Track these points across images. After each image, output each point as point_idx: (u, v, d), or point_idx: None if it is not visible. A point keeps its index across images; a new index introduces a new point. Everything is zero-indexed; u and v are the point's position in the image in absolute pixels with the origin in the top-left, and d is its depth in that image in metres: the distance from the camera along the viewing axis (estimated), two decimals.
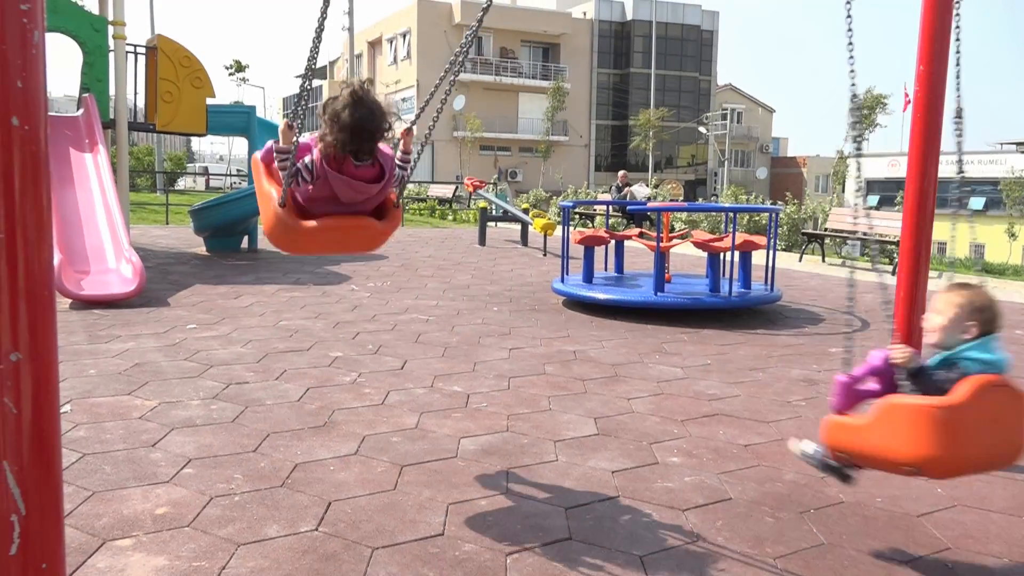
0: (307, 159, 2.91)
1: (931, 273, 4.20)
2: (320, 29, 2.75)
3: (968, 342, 2.51)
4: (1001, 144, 44.51)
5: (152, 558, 2.60)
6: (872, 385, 2.70)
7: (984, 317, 2.53)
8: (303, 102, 2.88)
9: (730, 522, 3.04)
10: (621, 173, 18.78)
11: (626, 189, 17.83)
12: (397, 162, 3.05)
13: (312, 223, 2.98)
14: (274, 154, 3.01)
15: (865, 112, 34.66)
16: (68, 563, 2.42)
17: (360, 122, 2.80)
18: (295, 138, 2.89)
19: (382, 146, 3.00)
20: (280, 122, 3.12)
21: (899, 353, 2.59)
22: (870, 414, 2.58)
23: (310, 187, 2.93)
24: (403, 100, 50.86)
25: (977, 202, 39.16)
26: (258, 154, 3.28)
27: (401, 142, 3.07)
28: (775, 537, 2.92)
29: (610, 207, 13.65)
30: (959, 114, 3.12)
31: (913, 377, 2.56)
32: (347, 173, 2.90)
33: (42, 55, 1.19)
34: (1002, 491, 3.44)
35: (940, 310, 2.58)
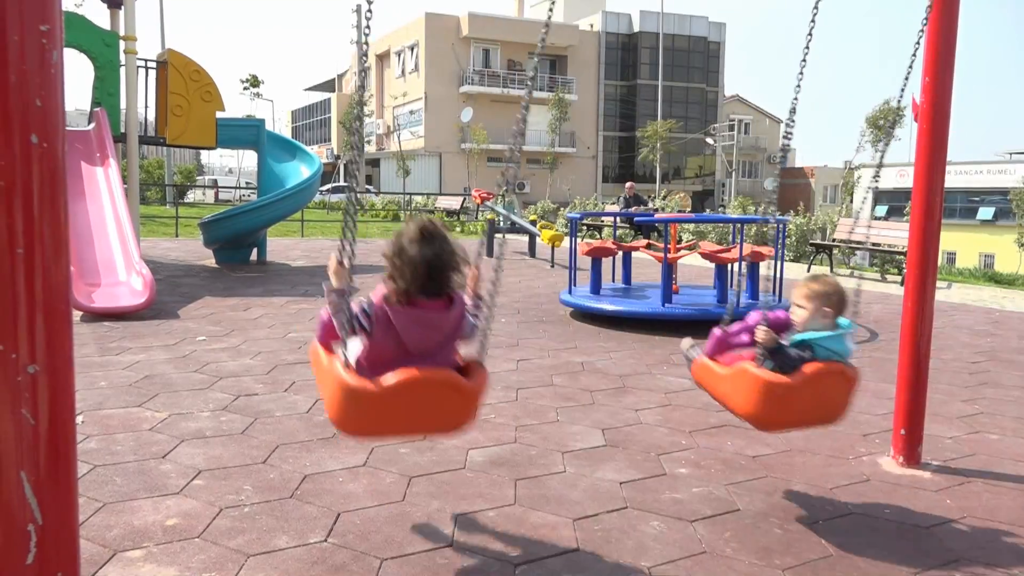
0: (364, 302, 2.51)
1: (939, 283, 4.20)
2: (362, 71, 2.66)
3: (827, 327, 3.05)
4: (1011, 154, 44.36)
5: (163, 569, 2.62)
6: (744, 337, 3.19)
7: (836, 301, 3.06)
8: (352, 220, 2.51)
9: (738, 533, 3.04)
10: (628, 185, 18.81)
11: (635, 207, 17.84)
12: (469, 312, 2.64)
13: (388, 378, 2.45)
14: (326, 296, 2.55)
15: (881, 124, 34.55)
16: (81, 574, 2.44)
17: (433, 262, 2.48)
18: (349, 278, 2.51)
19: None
20: (331, 262, 2.60)
21: (762, 335, 3.00)
22: (730, 369, 3.14)
23: (368, 339, 2.51)
24: (411, 113, 51.08)
25: (986, 212, 39.02)
26: (315, 339, 2.82)
27: (469, 284, 2.67)
28: (783, 548, 2.92)
29: (617, 218, 13.67)
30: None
31: (771, 353, 3.01)
32: (414, 306, 2.50)
33: (60, 74, 1.23)
34: (1011, 502, 3.43)
35: (800, 303, 3.08)
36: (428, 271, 2.48)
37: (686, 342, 3.60)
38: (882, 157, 3.74)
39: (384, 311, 2.48)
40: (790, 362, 2.99)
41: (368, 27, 2.56)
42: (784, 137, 3.40)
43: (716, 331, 3.30)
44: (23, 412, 1.17)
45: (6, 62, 1.16)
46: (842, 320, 3.12)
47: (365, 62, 2.66)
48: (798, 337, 3.06)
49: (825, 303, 3.04)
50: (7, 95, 1.15)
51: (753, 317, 3.16)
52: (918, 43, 3.56)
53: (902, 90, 3.50)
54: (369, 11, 2.58)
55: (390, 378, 2.43)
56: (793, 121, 3.30)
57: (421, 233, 2.50)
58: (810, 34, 3.32)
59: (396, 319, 2.47)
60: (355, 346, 2.55)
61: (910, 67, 3.51)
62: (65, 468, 1.24)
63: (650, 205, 19.27)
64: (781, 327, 3.14)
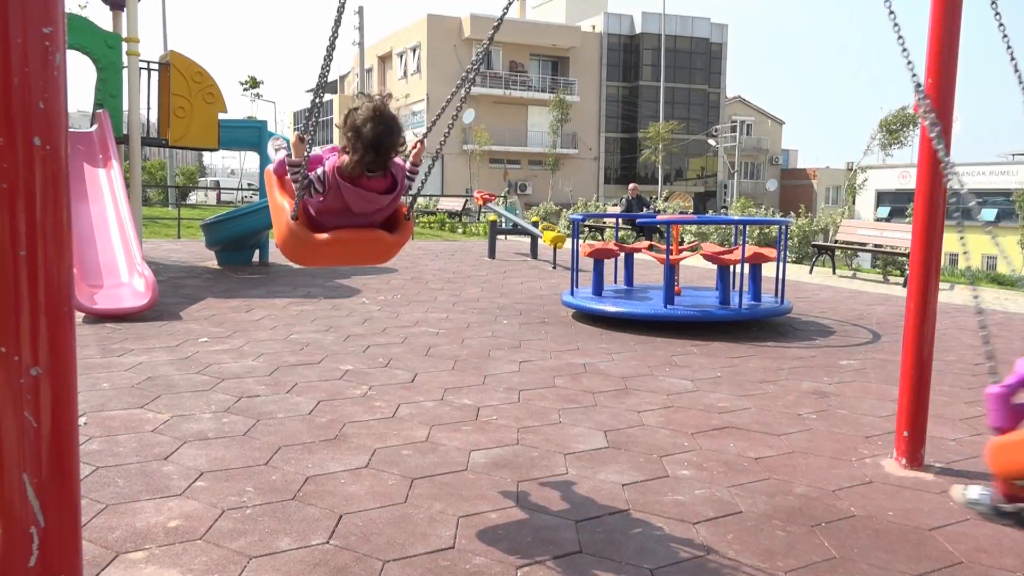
0: (319, 171, 2.94)
1: (942, 285, 4.19)
2: (331, 47, 2.82)
3: None
4: (1013, 155, 44.32)
5: (165, 571, 2.62)
6: None
7: None
8: (315, 116, 2.95)
9: (741, 535, 3.03)
10: (632, 187, 18.75)
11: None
12: (407, 173, 3.08)
13: (324, 236, 3.00)
14: (287, 167, 3.05)
15: (895, 128, 34.43)
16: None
17: (380, 137, 2.83)
18: (307, 151, 2.93)
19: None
20: (292, 136, 3.12)
21: None
22: None
23: (322, 199, 2.96)
24: (413, 114, 51.10)
25: (989, 213, 38.97)
26: (271, 167, 3.33)
27: (412, 153, 3.12)
28: (786, 551, 2.92)
29: (619, 220, 13.67)
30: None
31: None
32: (360, 185, 2.92)
33: (63, 77, 1.23)
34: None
35: None
36: (376, 148, 2.83)
37: (956, 491, 2.72)
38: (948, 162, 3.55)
39: (335, 179, 2.89)
40: None
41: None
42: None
43: (994, 390, 2.38)
44: (25, 414, 1.17)
45: (9, 64, 1.16)
46: None
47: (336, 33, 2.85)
48: None
49: None
50: (10, 97, 1.15)
51: (1022, 364, 2.37)
52: (900, 37, 3.27)
53: (916, 86, 3.29)
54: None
55: (326, 236, 3.00)
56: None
57: (374, 113, 2.82)
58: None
59: (345, 192, 2.90)
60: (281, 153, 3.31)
61: (912, 71, 3.41)
62: (67, 470, 1.24)
63: (653, 207, 19.25)
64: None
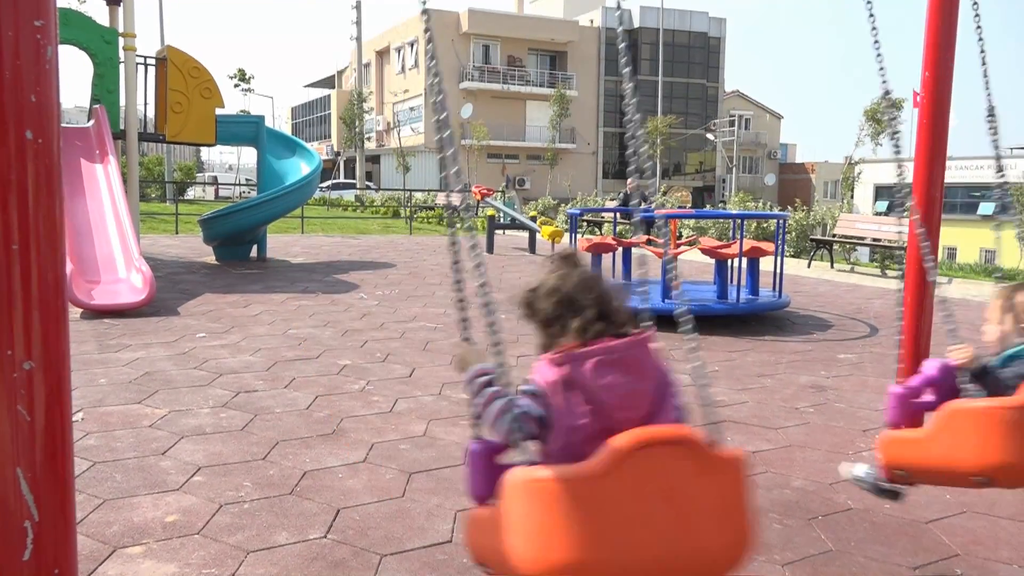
0: (527, 387, 1.75)
1: (940, 278, 4.20)
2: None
3: None
4: (1011, 149, 44.32)
5: (162, 565, 2.63)
6: (928, 397, 2.54)
7: None
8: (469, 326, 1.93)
9: None
10: (630, 180, 18.68)
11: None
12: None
13: (598, 463, 1.54)
14: (472, 395, 1.80)
15: (879, 117, 34.39)
16: (80, 570, 2.44)
17: (594, 286, 1.85)
18: (482, 353, 1.87)
19: None
20: (461, 359, 1.91)
21: (960, 353, 2.49)
22: (931, 424, 2.41)
23: (549, 438, 1.70)
24: (411, 109, 51.04)
25: (987, 207, 38.99)
26: (474, 504, 1.84)
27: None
28: (783, 543, 2.92)
29: (617, 214, 13.66)
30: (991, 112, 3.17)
31: (977, 378, 2.44)
32: (600, 350, 1.72)
33: (55, 70, 1.22)
34: (1011, 496, 3.43)
35: (993, 317, 2.55)
36: (600, 304, 1.80)
37: (844, 468, 2.97)
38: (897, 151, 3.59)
39: (560, 374, 1.69)
40: (1004, 384, 2.38)
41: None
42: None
43: (895, 390, 2.61)
44: (19, 409, 1.17)
45: (0, 58, 1.15)
46: None
47: None
48: (1007, 352, 2.47)
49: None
50: (2, 91, 1.15)
51: (930, 366, 2.59)
52: (874, 29, 3.23)
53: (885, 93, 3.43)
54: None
55: (604, 459, 1.54)
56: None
57: (568, 263, 1.89)
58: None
59: (580, 370, 1.68)
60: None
61: (879, 60, 3.23)
62: (62, 464, 1.24)
63: (652, 201, 19.17)
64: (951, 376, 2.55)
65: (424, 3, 1.99)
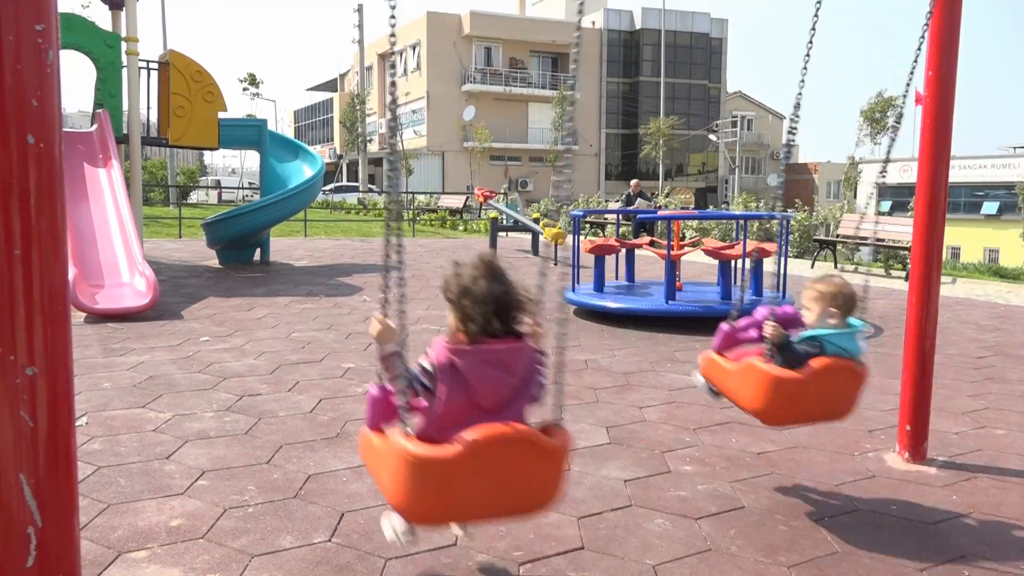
0: (423, 361, 2.24)
1: (944, 278, 4.19)
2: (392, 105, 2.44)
3: (834, 327, 3.06)
4: (1015, 148, 44.25)
5: (167, 570, 2.62)
6: (752, 333, 3.24)
7: (842, 302, 3.06)
8: (389, 289, 2.31)
9: (743, 531, 3.02)
10: (634, 182, 18.56)
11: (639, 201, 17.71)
12: (536, 361, 2.32)
13: (463, 437, 2.09)
14: (380, 362, 2.29)
15: (877, 116, 34.36)
16: (84, 575, 2.44)
17: (498, 294, 2.22)
18: (396, 331, 2.27)
19: None
20: (372, 323, 2.32)
21: (770, 330, 3.05)
22: (737, 364, 3.18)
23: (434, 401, 2.19)
24: (413, 112, 51.08)
25: (991, 207, 38.92)
26: (364, 427, 2.47)
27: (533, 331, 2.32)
28: (788, 545, 2.91)
29: (620, 216, 13.65)
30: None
31: (778, 348, 3.04)
32: (482, 349, 2.19)
33: (57, 74, 1.22)
34: (1018, 498, 3.41)
35: (808, 304, 3.11)
36: (497, 309, 2.20)
37: (693, 376, 3.60)
38: (888, 151, 3.71)
39: (449, 360, 2.16)
40: (798, 358, 3.02)
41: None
42: (788, 132, 3.38)
43: (724, 326, 3.33)
44: (22, 414, 1.17)
45: (2, 62, 1.15)
46: (853, 320, 3.12)
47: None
48: (807, 333, 3.08)
49: (831, 304, 3.06)
50: (2, 95, 1.15)
51: (760, 312, 3.19)
52: (922, 37, 3.55)
53: (907, 85, 3.49)
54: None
55: (466, 436, 2.08)
56: (797, 117, 3.29)
57: (487, 269, 2.26)
58: (813, 29, 3.30)
59: (464, 363, 2.15)
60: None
61: (915, 61, 3.50)
62: (65, 470, 1.23)
63: (654, 203, 19.17)
64: (789, 322, 3.17)
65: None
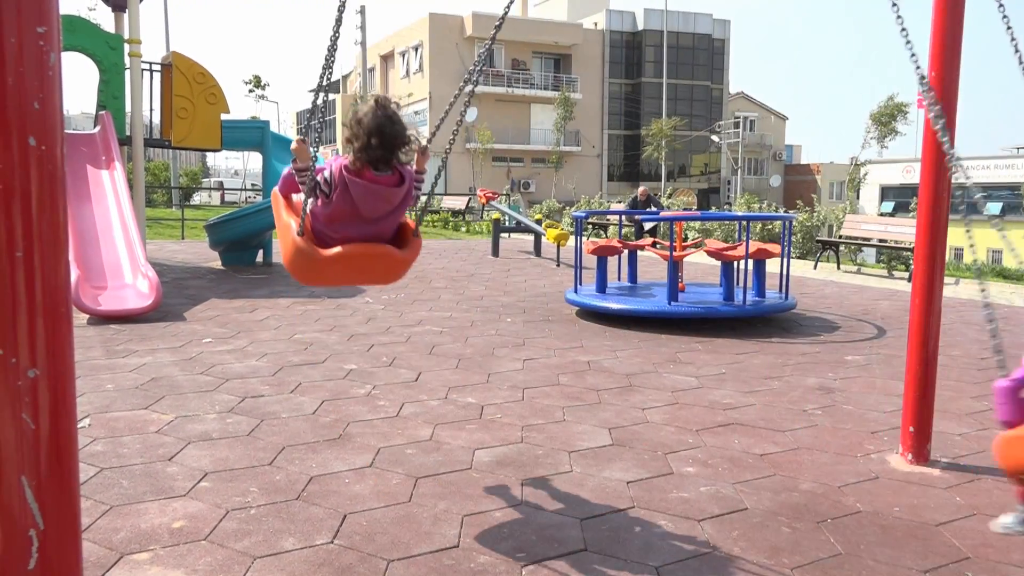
0: (325, 172, 2.85)
1: (947, 279, 4.18)
2: (333, 46, 2.79)
3: None
4: (1018, 149, 44.17)
5: (169, 571, 2.62)
6: None
7: None
8: (316, 117, 2.93)
9: (746, 532, 3.02)
10: (641, 189, 18.12)
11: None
12: (414, 179, 2.98)
13: (332, 251, 2.89)
14: (294, 175, 2.94)
15: (884, 120, 34.31)
16: None
17: (383, 125, 2.77)
18: (312, 155, 2.89)
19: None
20: (293, 139, 3.01)
21: None
22: None
23: (329, 204, 2.84)
24: (416, 113, 51.09)
25: (994, 207, 38.84)
26: (277, 187, 3.25)
27: (415, 160, 3.01)
28: (792, 547, 2.90)
29: (623, 217, 13.65)
30: None
31: None
32: (367, 179, 2.82)
33: (58, 77, 1.22)
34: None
35: None
36: (381, 140, 2.76)
37: (993, 523, 2.62)
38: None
39: (343, 178, 2.78)
40: None
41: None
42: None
43: (1002, 384, 2.30)
44: (23, 416, 1.17)
45: (4, 64, 1.15)
46: None
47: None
48: None
49: None
50: (5, 97, 1.15)
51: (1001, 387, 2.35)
52: (903, 30, 3.35)
53: (920, 78, 3.45)
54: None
55: (334, 252, 2.87)
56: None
57: (377, 105, 2.79)
58: None
59: (353, 188, 2.78)
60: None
61: (914, 56, 3.45)
62: (66, 472, 1.23)
63: (664, 211, 18.99)
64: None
65: None
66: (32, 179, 1.18)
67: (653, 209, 16.72)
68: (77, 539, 1.27)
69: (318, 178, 2.83)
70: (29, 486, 1.18)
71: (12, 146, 1.16)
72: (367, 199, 2.83)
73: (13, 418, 1.16)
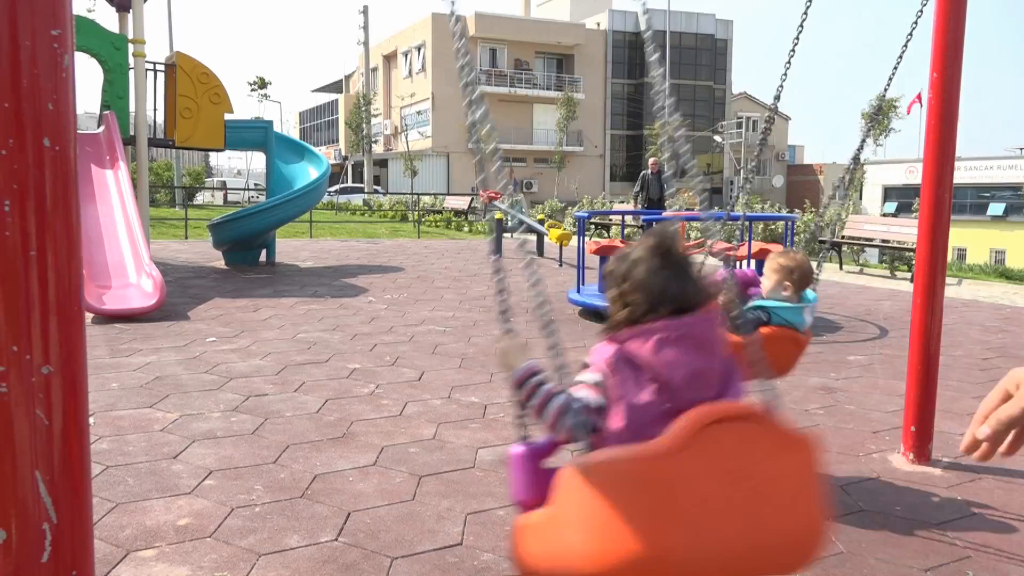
0: (585, 379, 1.68)
1: (949, 279, 4.20)
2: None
3: (786, 299, 3.22)
4: (1021, 149, 44.10)
5: (175, 568, 2.64)
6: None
7: (796, 277, 3.21)
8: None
9: None
10: (652, 160, 17.70)
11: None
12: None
13: (665, 441, 1.45)
14: (518, 393, 1.76)
15: (878, 118, 34.33)
16: (94, 573, 2.46)
17: (671, 285, 1.66)
18: (524, 355, 1.78)
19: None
20: (500, 350, 1.85)
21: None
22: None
23: (608, 427, 1.61)
24: (418, 113, 51.12)
25: (997, 208, 38.78)
26: (512, 487, 1.87)
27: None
28: None
29: (626, 217, 13.66)
30: None
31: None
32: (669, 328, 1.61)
33: (72, 78, 1.24)
34: (1022, 499, 3.42)
35: (767, 273, 3.26)
36: (677, 295, 1.64)
37: None
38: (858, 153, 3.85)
39: (616, 355, 1.62)
40: (747, 324, 2.78)
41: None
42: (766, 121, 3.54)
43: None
44: (37, 412, 1.19)
45: (19, 67, 1.17)
46: (808, 293, 3.31)
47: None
48: (757, 302, 3.27)
49: (786, 277, 3.24)
50: (20, 99, 1.17)
51: (720, 274, 2.77)
52: (910, 35, 3.55)
53: (887, 86, 3.59)
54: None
55: (679, 420, 1.46)
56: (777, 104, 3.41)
57: (658, 253, 1.70)
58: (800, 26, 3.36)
59: (637, 348, 1.59)
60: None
61: (899, 58, 3.55)
62: (79, 468, 1.25)
63: (666, 193, 18.82)
64: (747, 284, 3.36)
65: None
66: (46, 180, 1.20)
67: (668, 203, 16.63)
68: (89, 534, 1.29)
69: (579, 395, 1.70)
70: (43, 481, 1.19)
71: (27, 147, 1.17)
72: (678, 359, 1.60)
73: (27, 414, 1.18)
